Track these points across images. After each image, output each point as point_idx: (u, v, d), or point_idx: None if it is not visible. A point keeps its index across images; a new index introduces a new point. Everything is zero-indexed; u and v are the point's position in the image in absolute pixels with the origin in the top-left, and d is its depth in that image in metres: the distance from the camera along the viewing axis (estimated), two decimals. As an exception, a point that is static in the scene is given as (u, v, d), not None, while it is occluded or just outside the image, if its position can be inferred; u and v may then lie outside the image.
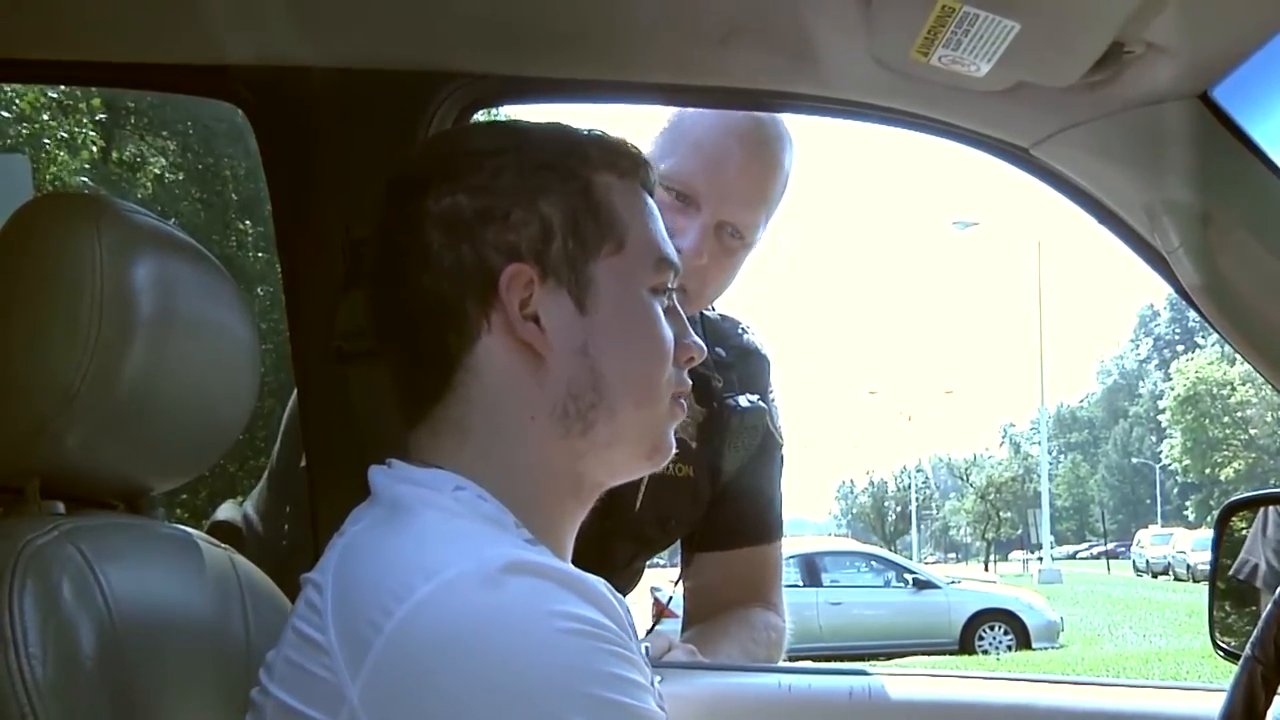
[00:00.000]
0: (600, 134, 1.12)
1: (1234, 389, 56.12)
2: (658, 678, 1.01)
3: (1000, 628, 18.32)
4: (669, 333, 1.10)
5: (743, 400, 1.85)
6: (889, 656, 16.16)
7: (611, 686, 0.89)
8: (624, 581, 1.83)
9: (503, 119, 1.15)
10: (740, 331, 1.95)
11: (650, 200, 1.13)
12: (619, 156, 1.11)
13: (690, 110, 1.76)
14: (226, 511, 1.96)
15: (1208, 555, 1.66)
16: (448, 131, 1.16)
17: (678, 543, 1.97)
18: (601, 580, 0.95)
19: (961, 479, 73.14)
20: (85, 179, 15.07)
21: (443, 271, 1.04)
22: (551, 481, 1.07)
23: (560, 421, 1.05)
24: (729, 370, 1.89)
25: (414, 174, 1.10)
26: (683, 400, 1.12)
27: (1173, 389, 61.10)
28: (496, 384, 1.05)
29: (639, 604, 1.15)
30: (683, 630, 1.92)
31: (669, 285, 1.11)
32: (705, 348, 1.16)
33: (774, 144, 1.79)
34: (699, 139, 1.74)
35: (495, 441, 1.05)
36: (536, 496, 1.05)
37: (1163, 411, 63.56)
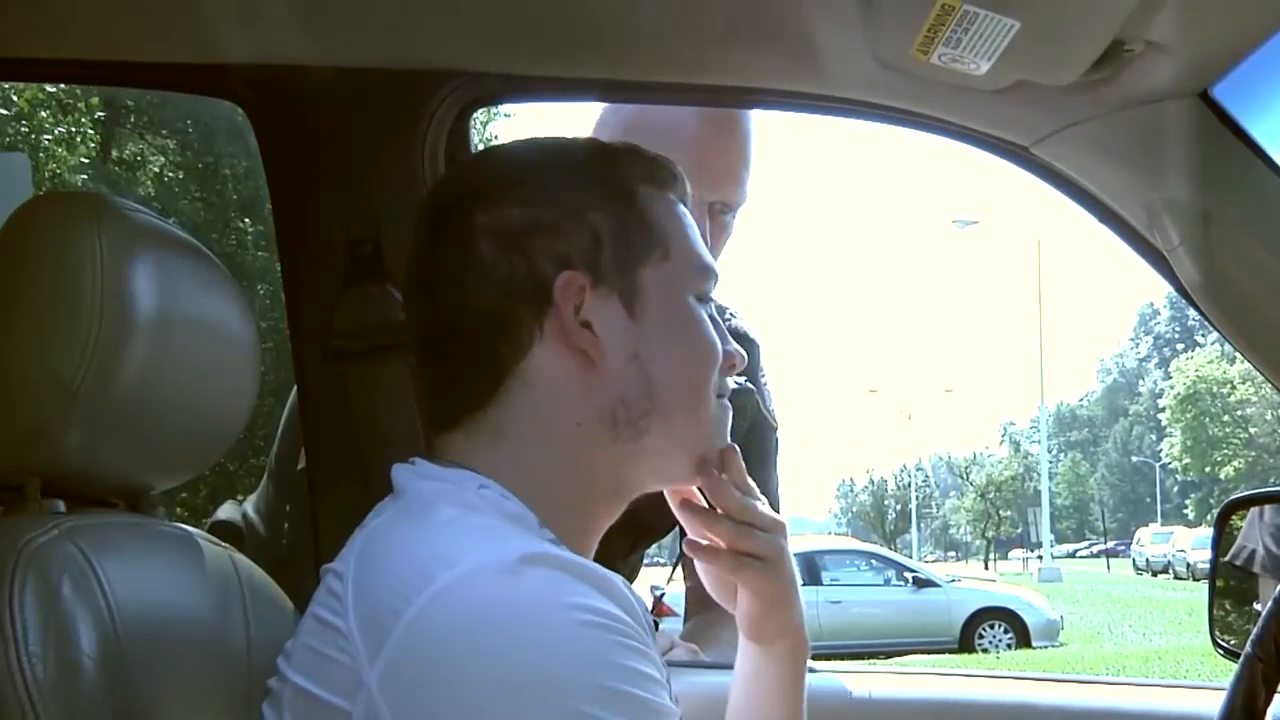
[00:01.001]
0: (636, 148, 1.15)
1: (1234, 387, 56.12)
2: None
3: (1000, 626, 18.32)
4: (716, 337, 1.13)
5: (729, 382, 1.84)
6: (889, 655, 16.16)
7: (625, 679, 0.90)
8: (624, 574, 1.82)
9: (541, 136, 1.17)
10: (728, 316, 1.95)
11: (686, 212, 1.15)
12: (656, 169, 1.14)
13: (648, 106, 1.77)
14: (227, 511, 1.96)
15: (1207, 554, 1.67)
16: (489, 149, 1.20)
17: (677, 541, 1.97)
18: (618, 575, 0.96)
19: (961, 477, 73.26)
20: (84, 176, 15.07)
21: (495, 281, 1.06)
22: (590, 487, 1.09)
23: (608, 428, 1.07)
24: None
25: (460, 189, 1.13)
26: (727, 401, 1.16)
27: (1173, 387, 61.10)
28: (547, 391, 1.06)
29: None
30: (685, 620, 1.92)
31: (710, 293, 1.14)
32: (745, 355, 1.19)
33: (737, 116, 1.82)
34: (680, 134, 1.75)
35: (535, 447, 1.06)
36: (570, 501, 1.07)
37: (1163, 410, 63.54)
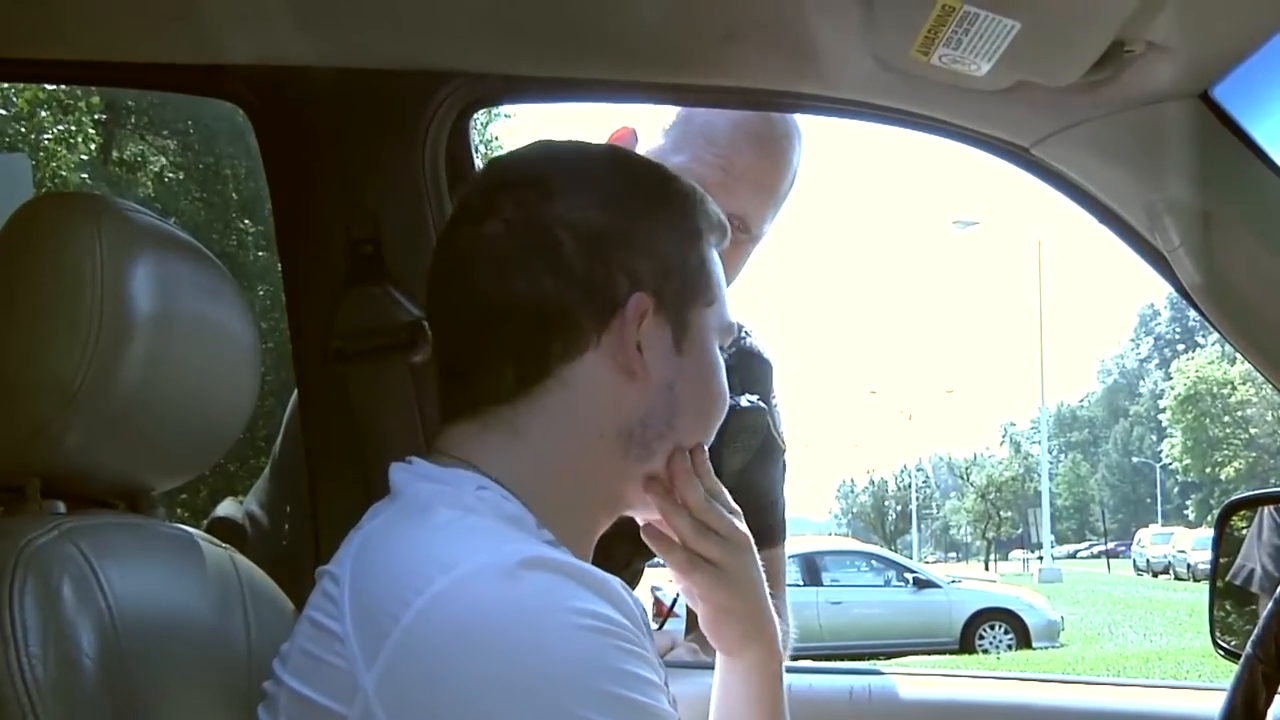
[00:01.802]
0: (701, 190, 1.15)
1: (1234, 388, 56.14)
2: (663, 676, 1.02)
3: (1001, 627, 18.31)
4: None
5: (743, 400, 1.84)
6: (889, 656, 16.16)
7: (625, 683, 0.89)
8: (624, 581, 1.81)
9: (610, 145, 1.17)
10: (743, 335, 1.94)
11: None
12: (715, 214, 1.15)
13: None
14: (226, 508, 1.95)
15: (1208, 554, 1.67)
16: (561, 142, 1.17)
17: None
18: (617, 579, 0.95)
19: (962, 478, 73.31)
20: (85, 176, 15.08)
21: (572, 279, 1.05)
22: (593, 495, 1.09)
23: (624, 444, 1.08)
24: (730, 372, 1.87)
25: (537, 172, 1.10)
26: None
27: (1173, 388, 61.14)
28: (582, 399, 1.06)
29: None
30: (687, 633, 1.91)
31: (725, 346, 1.16)
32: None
33: (783, 141, 1.80)
34: (711, 135, 1.75)
35: (552, 451, 1.06)
36: (572, 505, 1.07)
37: (1163, 411, 63.59)
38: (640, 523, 1.19)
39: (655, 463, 1.10)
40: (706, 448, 1.16)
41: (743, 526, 1.19)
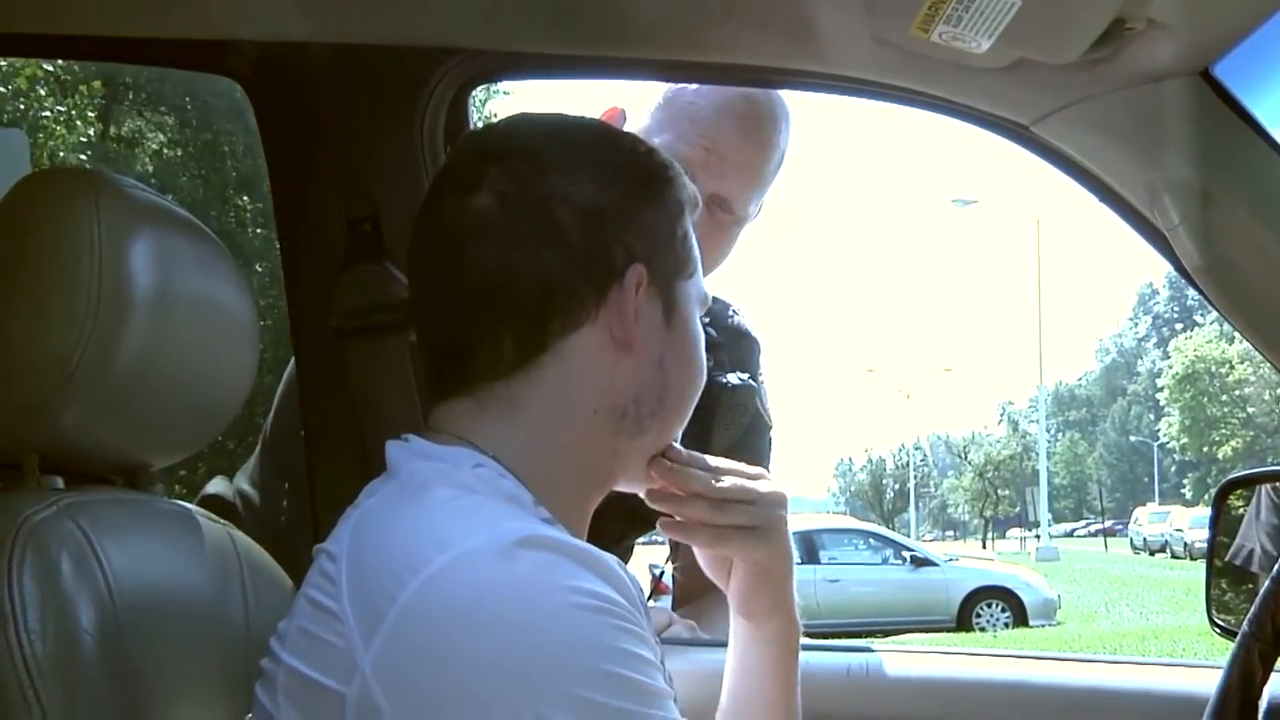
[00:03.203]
0: (673, 161, 1.16)
1: (1232, 367, 56.24)
2: (660, 654, 1.02)
3: (998, 605, 18.37)
4: None
5: (732, 378, 1.83)
6: (887, 634, 16.20)
7: (622, 662, 0.90)
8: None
9: (594, 119, 1.16)
10: (731, 313, 1.94)
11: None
12: (687, 186, 1.15)
13: (686, 86, 1.76)
14: (217, 486, 1.95)
15: (1205, 533, 1.67)
16: (542, 115, 1.16)
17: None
18: (614, 557, 0.95)
19: (960, 457, 73.36)
20: (83, 156, 15.04)
21: (571, 252, 1.04)
22: (588, 471, 1.10)
23: (617, 420, 1.08)
24: (718, 350, 1.86)
25: (523, 147, 1.09)
26: None
27: (1171, 367, 61.26)
28: (578, 373, 1.06)
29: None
30: (673, 607, 1.92)
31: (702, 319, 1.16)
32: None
33: (768, 122, 1.79)
34: (694, 115, 1.75)
35: (549, 426, 1.06)
36: (568, 482, 1.08)
37: (1161, 390, 63.70)
38: (643, 495, 1.19)
39: (645, 440, 1.10)
40: (682, 430, 1.17)
41: (768, 485, 1.20)
